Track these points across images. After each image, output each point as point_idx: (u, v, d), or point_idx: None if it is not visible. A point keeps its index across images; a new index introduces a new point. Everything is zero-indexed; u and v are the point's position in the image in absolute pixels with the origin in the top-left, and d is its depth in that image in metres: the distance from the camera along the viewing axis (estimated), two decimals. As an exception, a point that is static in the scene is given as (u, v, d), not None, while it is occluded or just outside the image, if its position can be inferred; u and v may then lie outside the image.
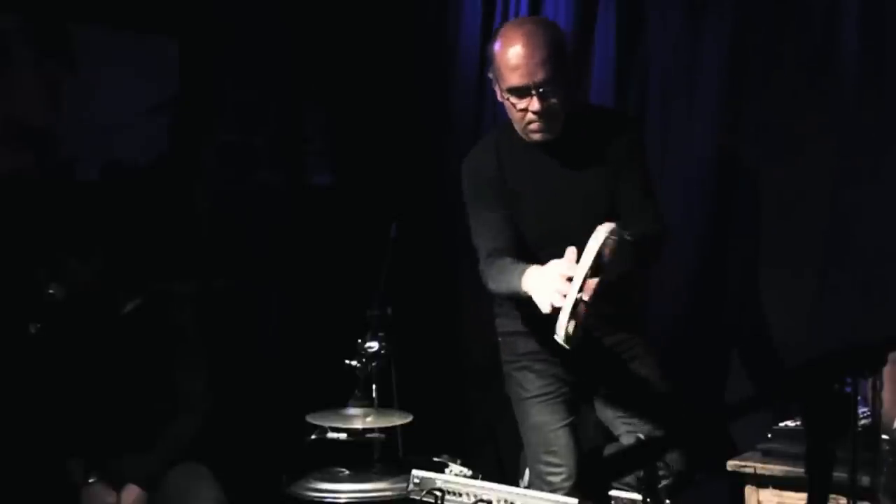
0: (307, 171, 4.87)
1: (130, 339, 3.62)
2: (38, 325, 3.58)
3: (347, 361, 3.38)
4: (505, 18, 4.25)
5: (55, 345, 3.64)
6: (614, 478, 3.09)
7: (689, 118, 3.89)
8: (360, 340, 3.39)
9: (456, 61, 4.43)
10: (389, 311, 3.44)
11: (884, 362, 2.38)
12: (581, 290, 2.63)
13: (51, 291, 3.57)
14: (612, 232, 2.68)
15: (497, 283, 3.04)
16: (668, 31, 3.93)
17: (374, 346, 3.37)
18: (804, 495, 2.40)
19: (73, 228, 3.68)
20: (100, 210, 4.02)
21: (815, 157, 3.66)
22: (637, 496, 2.77)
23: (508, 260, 3.01)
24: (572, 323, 2.65)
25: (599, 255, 2.65)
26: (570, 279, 2.66)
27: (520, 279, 2.86)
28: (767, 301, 3.73)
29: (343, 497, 3.22)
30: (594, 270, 2.64)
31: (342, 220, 4.62)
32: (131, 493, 3.51)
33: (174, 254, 4.40)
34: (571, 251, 2.72)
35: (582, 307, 2.64)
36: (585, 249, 2.68)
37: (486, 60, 3.12)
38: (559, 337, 2.67)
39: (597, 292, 2.64)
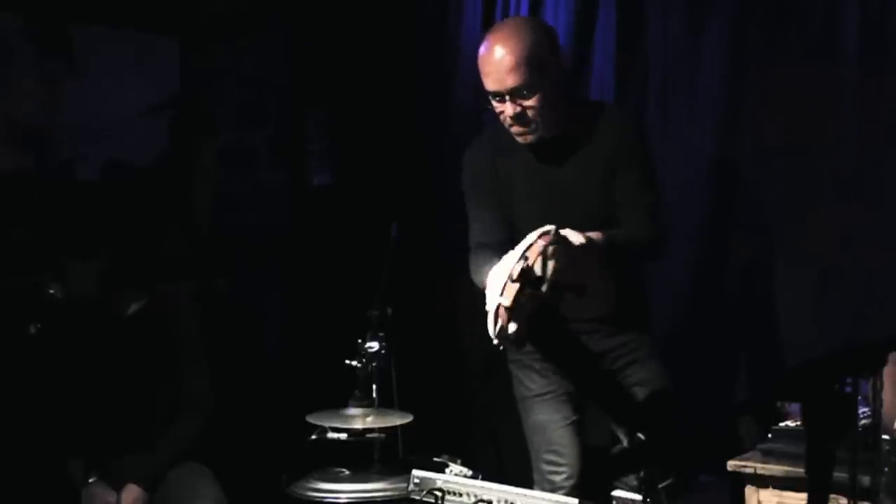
0: (307, 171, 4.87)
1: (131, 340, 3.62)
2: (39, 325, 3.58)
3: (347, 361, 3.37)
4: (505, 18, 4.24)
5: (55, 345, 3.64)
6: (615, 478, 3.09)
7: (690, 116, 3.89)
8: (360, 340, 3.38)
9: (456, 61, 4.43)
10: (389, 311, 3.43)
11: (884, 362, 2.38)
12: (502, 293, 2.61)
13: (51, 291, 3.57)
14: (541, 236, 2.66)
15: (477, 276, 3.04)
16: (669, 30, 3.93)
17: (374, 346, 3.35)
18: (804, 495, 2.40)
19: (74, 228, 3.68)
20: (100, 210, 4.02)
21: (816, 156, 3.65)
22: (637, 496, 2.76)
23: (490, 255, 3.00)
24: (498, 324, 2.63)
25: (525, 258, 2.63)
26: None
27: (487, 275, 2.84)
28: (768, 301, 3.73)
29: (343, 497, 3.20)
30: (522, 275, 2.61)
31: (342, 221, 4.62)
32: (131, 493, 3.51)
33: (174, 254, 4.40)
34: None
35: (503, 311, 2.61)
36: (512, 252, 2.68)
37: None
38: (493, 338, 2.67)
39: (519, 298, 2.60)
